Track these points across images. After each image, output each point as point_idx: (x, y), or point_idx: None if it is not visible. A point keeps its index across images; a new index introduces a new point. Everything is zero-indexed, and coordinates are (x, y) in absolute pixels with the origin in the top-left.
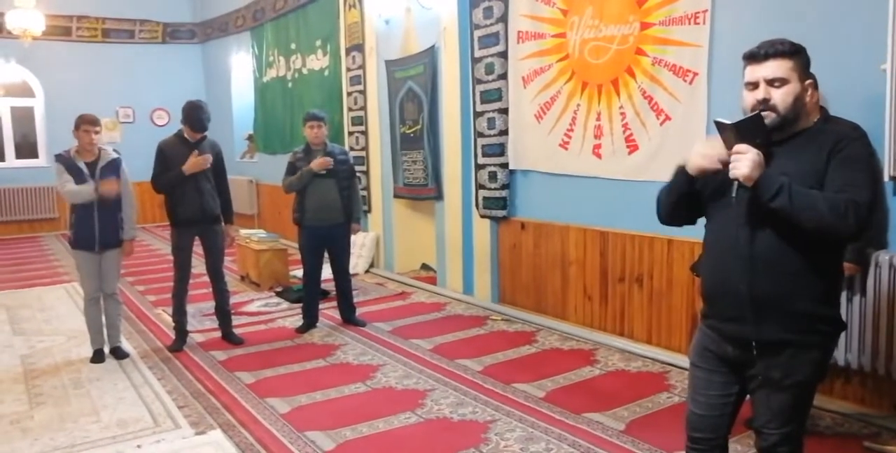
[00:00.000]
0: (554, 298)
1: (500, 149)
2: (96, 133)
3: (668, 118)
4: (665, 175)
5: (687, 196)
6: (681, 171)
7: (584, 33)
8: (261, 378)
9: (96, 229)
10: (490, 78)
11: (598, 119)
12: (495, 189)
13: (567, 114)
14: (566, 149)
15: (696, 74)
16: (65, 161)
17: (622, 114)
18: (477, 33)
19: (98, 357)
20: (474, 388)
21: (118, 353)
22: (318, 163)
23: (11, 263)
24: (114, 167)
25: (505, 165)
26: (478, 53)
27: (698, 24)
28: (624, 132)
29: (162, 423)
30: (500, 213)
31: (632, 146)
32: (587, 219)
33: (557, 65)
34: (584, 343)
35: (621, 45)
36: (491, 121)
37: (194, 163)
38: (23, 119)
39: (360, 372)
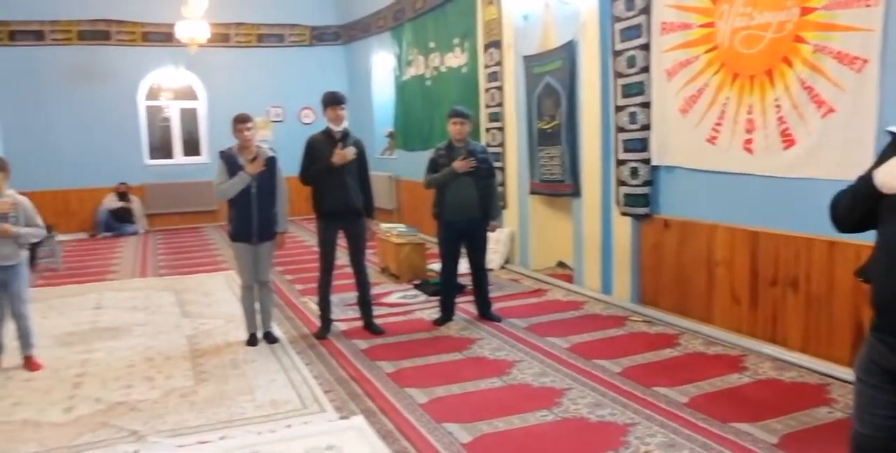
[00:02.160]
0: (698, 300)
1: (642, 145)
2: (248, 129)
3: (831, 110)
4: (827, 171)
5: (870, 208)
6: (868, 185)
7: (735, 22)
8: (400, 368)
9: (254, 223)
10: (632, 71)
11: (750, 112)
12: (637, 185)
13: (715, 107)
14: (714, 144)
15: (865, 61)
16: (227, 157)
17: (777, 106)
18: (618, 26)
19: (252, 340)
20: (613, 390)
21: (270, 338)
22: (460, 164)
23: (177, 251)
24: (270, 165)
25: (647, 161)
26: (619, 46)
27: (869, 6)
28: (779, 126)
29: (309, 406)
30: (642, 211)
31: (788, 140)
32: (736, 218)
33: (705, 56)
34: (731, 348)
35: (777, 33)
36: (632, 116)
37: (340, 155)
38: (188, 119)
39: (496, 367)
